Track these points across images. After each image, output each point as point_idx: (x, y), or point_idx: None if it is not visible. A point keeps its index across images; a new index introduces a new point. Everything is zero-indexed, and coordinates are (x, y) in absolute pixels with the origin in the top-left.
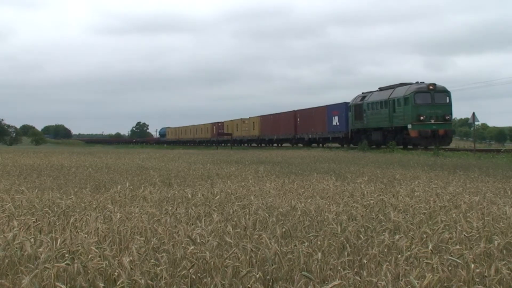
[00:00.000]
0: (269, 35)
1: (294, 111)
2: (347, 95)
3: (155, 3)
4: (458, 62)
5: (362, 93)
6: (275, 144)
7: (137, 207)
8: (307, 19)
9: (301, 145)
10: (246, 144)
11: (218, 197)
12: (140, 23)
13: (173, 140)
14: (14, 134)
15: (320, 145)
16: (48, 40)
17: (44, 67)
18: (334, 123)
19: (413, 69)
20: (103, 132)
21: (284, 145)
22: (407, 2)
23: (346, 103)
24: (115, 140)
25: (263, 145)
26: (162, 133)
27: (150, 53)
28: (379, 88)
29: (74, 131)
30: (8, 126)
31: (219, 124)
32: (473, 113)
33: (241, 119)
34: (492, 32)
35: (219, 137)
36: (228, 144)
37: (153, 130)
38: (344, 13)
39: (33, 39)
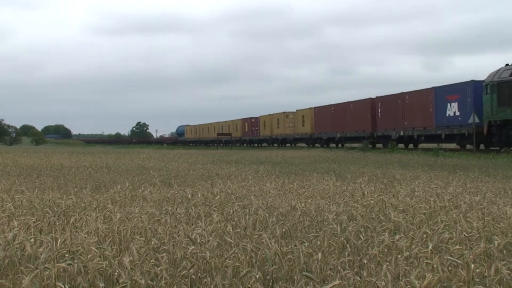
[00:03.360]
0: (268, 35)
1: (371, 98)
2: (347, 95)
3: (154, 4)
4: (455, 62)
5: (507, 65)
6: (333, 145)
7: (137, 207)
8: (306, 19)
9: (381, 145)
10: (288, 145)
11: (218, 197)
12: (139, 24)
13: (193, 140)
14: (14, 134)
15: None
16: (48, 40)
17: (44, 67)
18: (449, 113)
19: (411, 69)
20: (103, 132)
21: (344, 145)
22: (405, 2)
23: (475, 82)
24: (125, 141)
25: (317, 145)
26: (180, 131)
27: (149, 53)
28: None
29: (74, 131)
30: (8, 126)
31: (253, 120)
32: (473, 113)
33: (284, 113)
34: (489, 32)
35: (219, 137)
36: (264, 144)
37: (153, 130)
38: (342, 13)
39: (32, 39)
